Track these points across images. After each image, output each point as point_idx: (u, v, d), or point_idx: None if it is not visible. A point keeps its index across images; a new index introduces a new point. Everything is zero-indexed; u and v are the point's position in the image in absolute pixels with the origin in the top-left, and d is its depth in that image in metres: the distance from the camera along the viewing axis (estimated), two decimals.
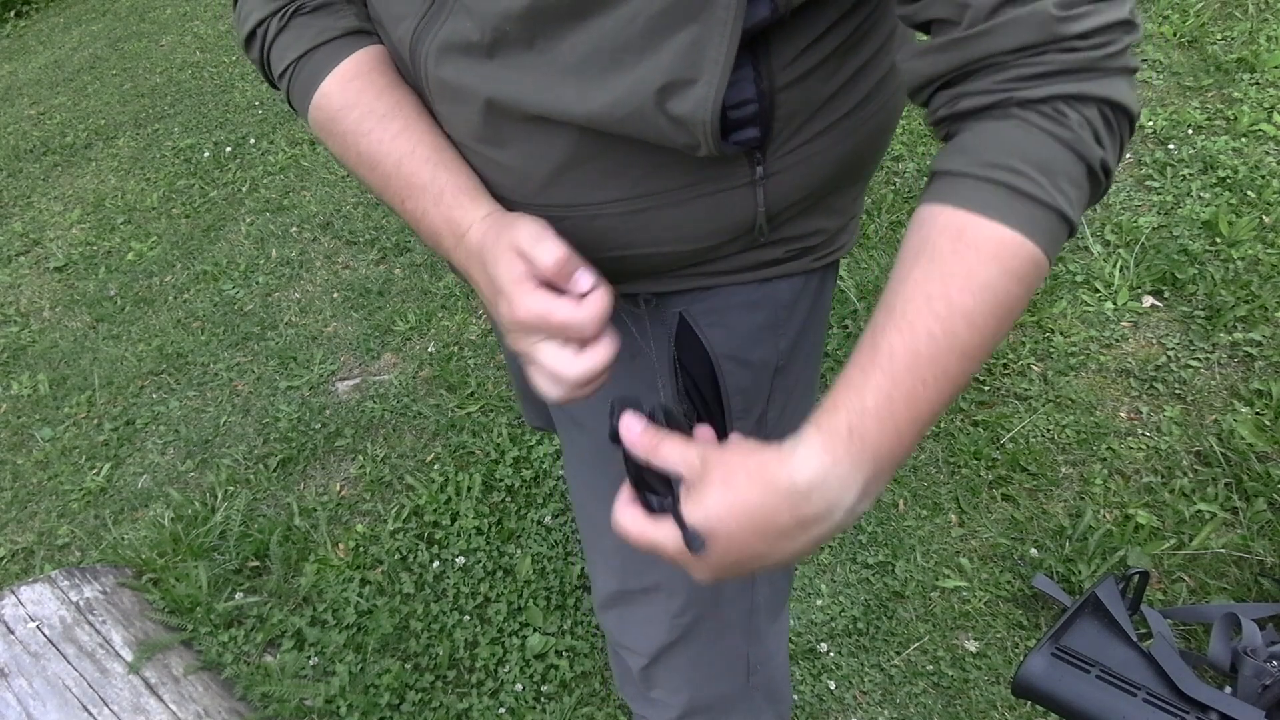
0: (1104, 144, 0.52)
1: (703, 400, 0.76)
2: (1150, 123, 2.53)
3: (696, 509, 0.52)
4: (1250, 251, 2.09)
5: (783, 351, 0.77)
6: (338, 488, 2.07)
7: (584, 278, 0.59)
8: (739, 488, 0.51)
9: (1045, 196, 0.51)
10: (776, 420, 0.80)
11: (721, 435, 0.76)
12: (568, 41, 0.56)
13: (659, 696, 0.95)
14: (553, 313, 0.58)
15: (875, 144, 0.71)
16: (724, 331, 0.74)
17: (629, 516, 0.57)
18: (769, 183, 0.64)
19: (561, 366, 0.59)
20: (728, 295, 0.73)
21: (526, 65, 0.58)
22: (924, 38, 0.57)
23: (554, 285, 0.59)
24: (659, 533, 0.55)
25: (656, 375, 0.76)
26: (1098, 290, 2.12)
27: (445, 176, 0.64)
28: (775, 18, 0.55)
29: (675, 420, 0.58)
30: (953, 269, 0.50)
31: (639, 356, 0.76)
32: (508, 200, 0.66)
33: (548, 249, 0.58)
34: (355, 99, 0.66)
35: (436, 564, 1.84)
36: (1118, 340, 2.01)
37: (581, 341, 0.59)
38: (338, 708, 1.62)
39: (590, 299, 0.58)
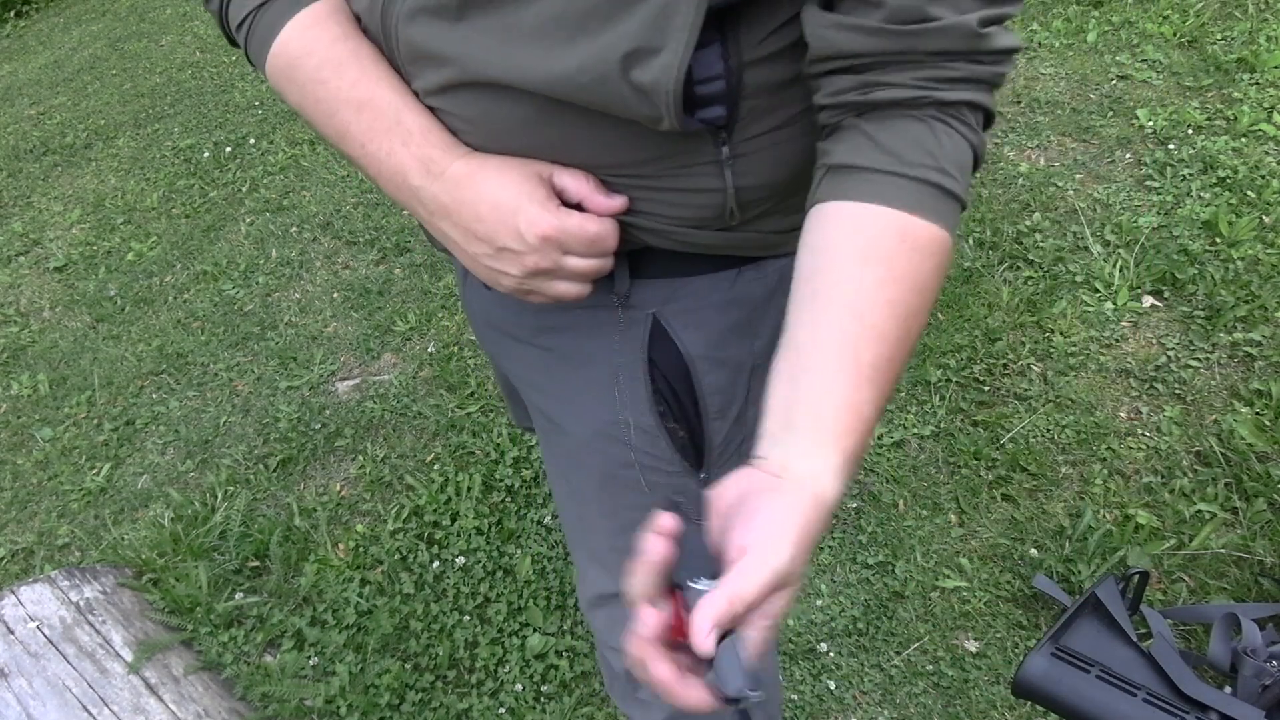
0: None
1: (678, 402, 0.76)
2: (1150, 123, 2.53)
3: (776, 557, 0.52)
4: (1250, 251, 2.09)
5: (758, 351, 0.77)
6: (338, 488, 2.07)
7: (612, 198, 0.64)
8: (786, 549, 0.52)
9: (963, 193, 0.58)
10: (756, 419, 0.80)
11: (698, 436, 0.77)
12: (534, 6, 0.57)
13: (646, 697, 0.95)
14: (586, 225, 0.63)
15: None
16: (697, 332, 0.74)
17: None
18: (736, 164, 0.64)
19: (589, 247, 0.64)
20: (700, 296, 0.73)
21: (493, 28, 0.58)
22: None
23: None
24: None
25: (628, 387, 0.76)
26: (1097, 290, 2.12)
27: (412, 119, 0.65)
28: None
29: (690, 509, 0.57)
30: (904, 271, 0.56)
31: (619, 375, 0.76)
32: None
33: (573, 174, 0.63)
34: (312, 46, 0.66)
35: (436, 564, 1.84)
36: (1117, 340, 2.01)
37: (602, 254, 0.65)
38: (338, 708, 1.62)
39: (611, 214, 0.64)
